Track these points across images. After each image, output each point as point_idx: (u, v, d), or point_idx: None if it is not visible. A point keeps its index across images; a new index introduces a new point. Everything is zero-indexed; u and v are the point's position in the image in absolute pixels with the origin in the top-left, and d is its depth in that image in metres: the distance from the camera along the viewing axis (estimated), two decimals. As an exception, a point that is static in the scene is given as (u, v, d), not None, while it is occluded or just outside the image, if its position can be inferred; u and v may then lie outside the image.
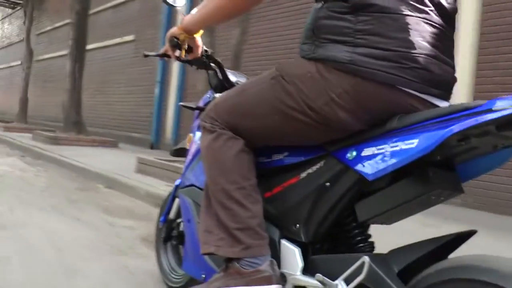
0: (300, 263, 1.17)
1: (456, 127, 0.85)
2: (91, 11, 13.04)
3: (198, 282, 1.47)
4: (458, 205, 4.04)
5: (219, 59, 1.58)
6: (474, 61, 4.36)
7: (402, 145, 0.97)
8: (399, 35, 1.00)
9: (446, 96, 1.07)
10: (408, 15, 1.01)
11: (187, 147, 1.73)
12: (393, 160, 0.96)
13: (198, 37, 1.46)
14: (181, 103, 1.96)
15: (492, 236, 2.83)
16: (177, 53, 1.50)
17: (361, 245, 1.18)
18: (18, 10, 17.24)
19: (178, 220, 1.81)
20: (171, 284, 1.85)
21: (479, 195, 4.07)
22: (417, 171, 0.98)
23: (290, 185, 1.23)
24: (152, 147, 8.92)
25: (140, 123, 10.01)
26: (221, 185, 1.21)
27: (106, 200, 3.69)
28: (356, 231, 1.17)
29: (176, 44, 1.48)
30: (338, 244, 1.22)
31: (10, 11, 18.55)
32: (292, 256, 1.20)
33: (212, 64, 1.61)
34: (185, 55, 1.54)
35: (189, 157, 1.63)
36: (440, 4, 1.04)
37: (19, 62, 14.30)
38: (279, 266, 1.18)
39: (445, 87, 1.06)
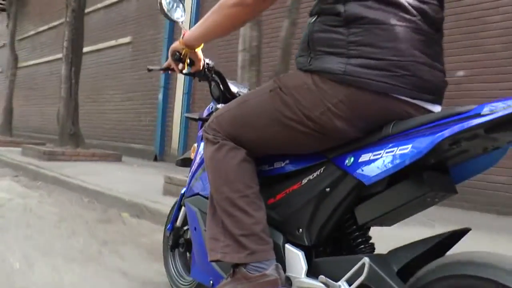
0: (304, 266, 1.23)
1: (446, 132, 0.92)
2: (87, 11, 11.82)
3: None
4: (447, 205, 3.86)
5: (220, 71, 1.66)
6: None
7: (397, 151, 1.03)
8: (390, 44, 1.07)
9: (438, 100, 1.13)
10: (396, 25, 1.08)
11: (192, 157, 1.79)
12: (389, 165, 1.02)
13: (199, 51, 1.55)
14: (187, 114, 1.80)
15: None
16: (180, 66, 1.58)
17: (362, 246, 1.23)
18: (-1, 13, 15.64)
19: (185, 228, 1.85)
20: None
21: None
22: (413, 175, 1.03)
23: (292, 191, 1.31)
24: (156, 159, 8.42)
25: (140, 132, 9.46)
26: (225, 193, 1.29)
27: (141, 235, 3.01)
28: (357, 233, 1.22)
29: (178, 58, 1.56)
30: (340, 247, 1.27)
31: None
32: (296, 259, 1.27)
33: (214, 76, 1.68)
34: (187, 69, 1.61)
35: (194, 167, 1.69)
36: (426, 13, 1.12)
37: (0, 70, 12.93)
38: (284, 269, 1.24)
39: (437, 92, 1.12)
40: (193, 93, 8.19)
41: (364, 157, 1.12)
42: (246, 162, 1.33)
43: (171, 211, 2.02)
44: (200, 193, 1.66)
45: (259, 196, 1.28)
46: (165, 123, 8.31)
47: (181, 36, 1.51)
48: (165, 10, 1.72)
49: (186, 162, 2.07)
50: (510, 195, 4.10)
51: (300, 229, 1.29)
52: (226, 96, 1.73)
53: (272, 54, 4.35)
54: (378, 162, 1.09)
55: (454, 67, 4.38)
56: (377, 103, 1.10)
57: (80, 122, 11.84)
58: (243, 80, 3.71)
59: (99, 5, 10.03)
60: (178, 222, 1.94)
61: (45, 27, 14.11)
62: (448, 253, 1.10)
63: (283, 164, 1.36)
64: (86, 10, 12.94)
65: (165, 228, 2.03)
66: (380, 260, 1.09)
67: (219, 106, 1.72)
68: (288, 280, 1.24)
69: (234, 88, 1.73)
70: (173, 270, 2.01)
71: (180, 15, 1.73)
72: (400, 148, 1.04)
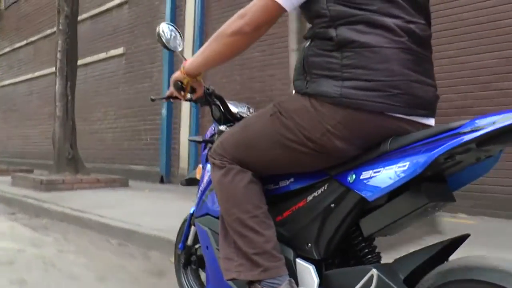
0: (316, 279, 1.33)
1: (441, 149, 1.03)
2: None
3: None
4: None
5: (220, 94, 1.81)
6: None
7: (396, 168, 1.14)
8: (381, 66, 1.19)
9: (431, 114, 1.27)
10: (386, 47, 1.20)
11: (198, 178, 1.93)
12: (390, 181, 1.13)
13: (200, 78, 1.68)
14: (190, 138, 2.30)
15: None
16: (183, 95, 1.71)
17: (369, 256, 1.34)
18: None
19: (196, 246, 2.01)
20: None
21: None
22: (413, 187, 1.15)
23: (298, 208, 1.42)
24: (162, 180, 8.03)
25: (141, 152, 9.01)
26: (236, 215, 1.40)
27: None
28: (363, 244, 1.34)
29: (181, 87, 1.67)
30: (347, 258, 1.40)
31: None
32: (308, 273, 1.37)
33: (215, 100, 1.81)
34: (190, 96, 1.74)
35: (202, 187, 1.82)
36: (414, 32, 1.25)
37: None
38: (297, 283, 1.35)
39: (429, 106, 1.25)
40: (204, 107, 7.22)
41: (365, 174, 1.23)
42: (253, 184, 1.44)
43: (180, 229, 2.18)
44: (210, 213, 1.76)
45: (268, 215, 1.41)
46: (171, 140, 8.06)
47: (182, 65, 1.63)
48: (164, 40, 1.82)
49: (191, 182, 2.20)
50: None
51: (309, 244, 1.38)
52: (227, 117, 1.85)
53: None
54: (379, 179, 1.18)
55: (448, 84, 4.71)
56: (373, 122, 1.21)
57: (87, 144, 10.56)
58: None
59: (84, 15, 9.86)
60: (189, 241, 2.06)
61: (23, 42, 13.62)
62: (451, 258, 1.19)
63: (287, 183, 1.47)
64: None
65: (175, 247, 2.19)
66: (387, 269, 1.19)
67: (222, 127, 1.86)
68: None
69: (234, 109, 1.86)
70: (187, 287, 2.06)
71: (178, 44, 1.86)
72: (398, 165, 1.14)
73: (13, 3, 13.41)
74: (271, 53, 6.85)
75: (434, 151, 1.05)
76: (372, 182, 1.20)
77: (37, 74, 12.32)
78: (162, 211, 4.43)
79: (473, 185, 1.42)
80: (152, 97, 1.94)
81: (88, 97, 9.40)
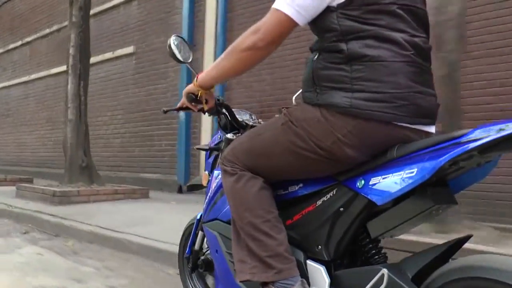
0: (327, 280, 1.45)
1: (447, 157, 1.17)
2: (67, 23, 10.26)
3: None
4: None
5: (227, 103, 1.96)
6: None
7: (403, 174, 1.27)
8: (389, 78, 1.35)
9: (433, 122, 1.45)
10: (394, 61, 1.36)
11: (204, 184, 2.09)
12: (398, 187, 1.27)
13: (213, 90, 1.81)
14: (197, 147, 2.44)
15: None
16: (197, 107, 1.86)
17: (376, 257, 1.49)
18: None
19: (203, 251, 2.18)
20: None
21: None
22: (419, 191, 1.29)
23: (308, 212, 1.54)
24: (180, 190, 7.50)
25: (154, 159, 8.46)
26: (248, 219, 1.53)
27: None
28: (370, 245, 1.49)
29: (194, 99, 1.79)
30: (355, 258, 1.54)
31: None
32: (319, 274, 1.48)
33: (224, 110, 1.95)
34: (200, 106, 1.87)
35: (210, 193, 1.94)
36: (419, 46, 1.42)
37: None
38: (308, 284, 1.48)
39: (431, 115, 1.43)
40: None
41: (374, 180, 1.36)
42: (264, 190, 1.57)
43: (183, 236, 2.37)
44: (219, 218, 1.88)
45: (279, 219, 1.55)
46: (189, 146, 7.64)
47: (195, 78, 1.74)
48: (175, 52, 1.90)
49: (194, 188, 2.39)
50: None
51: (319, 246, 1.51)
52: (233, 125, 1.99)
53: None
54: (388, 185, 1.31)
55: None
56: (381, 131, 1.37)
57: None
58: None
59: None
60: (197, 246, 2.20)
61: (17, 43, 13.21)
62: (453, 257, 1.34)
63: (296, 188, 1.59)
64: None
65: (179, 255, 2.39)
66: (396, 269, 1.30)
67: (229, 135, 1.96)
68: None
69: (239, 117, 2.01)
70: None
71: (189, 57, 1.96)
72: (406, 172, 1.27)
73: (7, 1, 12.77)
74: (305, 50, 6.23)
75: (441, 159, 1.19)
76: (381, 188, 1.33)
77: (33, 76, 11.91)
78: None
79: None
80: (165, 109, 2.05)
81: (93, 100, 8.87)
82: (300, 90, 1.86)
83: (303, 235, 1.56)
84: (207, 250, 2.15)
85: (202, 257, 2.18)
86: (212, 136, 2.57)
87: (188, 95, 1.79)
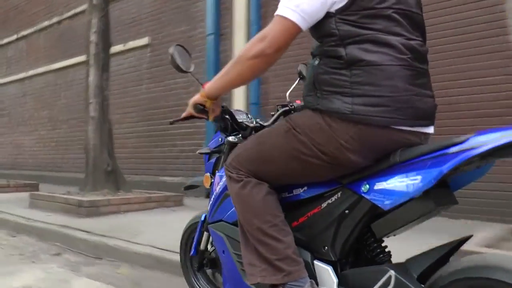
0: (335, 279, 1.56)
1: (451, 164, 1.29)
2: (69, 14, 9.39)
3: None
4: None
5: (228, 108, 2.06)
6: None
7: (408, 181, 1.38)
8: (387, 82, 1.46)
9: (431, 123, 1.58)
10: (391, 65, 1.47)
11: (206, 186, 2.21)
12: (404, 193, 1.39)
13: (219, 98, 1.92)
14: (199, 151, 2.33)
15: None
16: (205, 116, 1.93)
17: (381, 255, 1.61)
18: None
19: (210, 250, 2.37)
20: None
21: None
22: (421, 194, 1.43)
23: (313, 214, 1.65)
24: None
25: (175, 161, 7.68)
26: (256, 225, 1.63)
27: None
28: (375, 244, 1.63)
29: (202, 110, 1.86)
30: (360, 257, 1.67)
31: None
32: (327, 274, 1.58)
33: (227, 116, 2.06)
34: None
35: (215, 195, 2.05)
36: (416, 49, 1.54)
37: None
38: (316, 284, 1.60)
39: (430, 117, 1.56)
40: (264, 103, 6.63)
41: (379, 185, 1.46)
42: (270, 195, 1.68)
43: (183, 237, 2.55)
44: (224, 219, 1.99)
45: (285, 222, 1.66)
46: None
47: (201, 89, 1.82)
48: (177, 62, 1.93)
49: (190, 188, 2.52)
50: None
51: (326, 247, 1.61)
52: (234, 127, 2.07)
53: None
54: (394, 190, 1.41)
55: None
56: (382, 135, 1.48)
57: (75, 152, 9.36)
58: None
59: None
60: (202, 246, 2.37)
61: (12, 37, 12.31)
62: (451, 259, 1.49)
63: (301, 191, 1.69)
64: (74, 12, 10.26)
65: (180, 256, 2.57)
66: (402, 269, 1.42)
67: (230, 138, 2.08)
68: None
69: (239, 119, 2.10)
70: None
71: (190, 66, 2.00)
72: (411, 178, 1.37)
73: (-1, -7, 11.85)
74: None
75: (445, 166, 1.30)
76: (387, 193, 1.43)
77: (31, 72, 11.45)
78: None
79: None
80: (171, 120, 2.15)
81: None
82: (293, 86, 2.21)
83: (309, 236, 1.68)
84: (213, 250, 2.36)
85: (208, 257, 2.38)
86: (212, 138, 2.51)
87: (195, 106, 1.87)
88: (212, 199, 2.08)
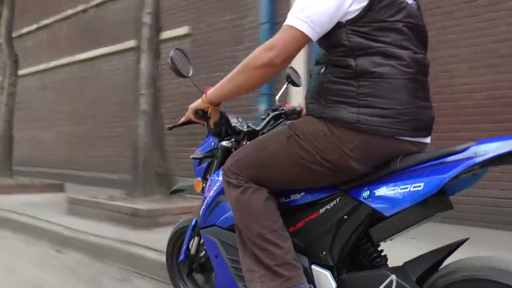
0: (333, 284, 1.59)
1: (453, 173, 1.36)
2: (96, 2, 8.54)
3: None
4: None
5: (224, 113, 2.11)
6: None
7: (411, 188, 1.43)
8: (395, 95, 1.53)
9: (430, 133, 1.69)
10: (399, 78, 1.54)
11: (197, 191, 2.22)
12: (406, 199, 1.44)
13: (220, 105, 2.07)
14: (192, 156, 2.27)
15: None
16: (204, 121, 2.00)
17: (378, 259, 1.66)
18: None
19: (201, 254, 2.37)
20: None
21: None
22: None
23: (311, 220, 1.67)
24: None
25: None
26: (256, 230, 1.66)
27: None
28: (372, 249, 1.69)
29: (203, 115, 1.90)
30: (357, 261, 1.70)
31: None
32: (325, 279, 1.59)
33: (223, 121, 2.18)
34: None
35: (208, 200, 2.09)
36: (421, 63, 1.63)
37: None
38: None
39: (429, 128, 1.68)
40: None
41: (380, 191, 1.52)
42: (270, 200, 1.72)
43: (169, 242, 2.54)
44: (217, 224, 2.03)
45: (284, 228, 1.72)
46: None
47: (204, 94, 1.86)
48: (178, 67, 1.96)
49: (176, 191, 2.60)
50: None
51: (324, 252, 1.64)
52: (227, 131, 2.11)
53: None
54: (395, 197, 1.47)
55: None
56: (386, 145, 1.55)
57: (101, 150, 8.87)
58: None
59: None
60: (193, 251, 2.37)
61: (32, 27, 11.55)
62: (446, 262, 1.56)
63: (299, 196, 1.72)
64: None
65: (167, 262, 2.55)
66: (402, 273, 1.46)
67: (224, 143, 2.09)
68: None
69: (232, 123, 2.14)
70: None
71: (189, 70, 2.06)
72: (413, 185, 1.43)
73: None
74: (444, 26, 4.64)
75: (448, 174, 1.36)
76: (389, 199, 1.49)
77: (52, 64, 10.33)
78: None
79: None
80: (169, 126, 2.19)
81: (129, 92, 7.07)
82: (282, 90, 2.33)
83: (307, 241, 1.72)
84: (204, 255, 2.38)
85: (199, 261, 2.41)
86: (203, 142, 2.40)
87: (196, 111, 1.92)
88: (204, 204, 2.15)
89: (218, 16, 7.84)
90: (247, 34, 7.30)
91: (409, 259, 1.47)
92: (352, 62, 1.49)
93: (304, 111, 2.14)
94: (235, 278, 1.84)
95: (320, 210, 1.63)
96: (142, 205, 4.39)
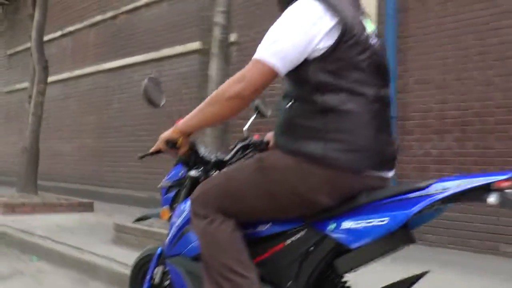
0: None
1: (417, 207, 1.42)
2: (127, 8, 7.74)
3: None
4: None
5: (194, 142, 2.14)
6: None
7: (376, 222, 1.48)
8: (361, 131, 1.60)
9: (393, 167, 1.76)
10: (364, 114, 1.60)
11: (164, 219, 2.24)
12: (371, 234, 1.49)
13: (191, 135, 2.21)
14: (159, 185, 2.26)
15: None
16: (175, 152, 1.97)
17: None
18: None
19: (165, 284, 2.32)
20: None
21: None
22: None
23: (277, 251, 1.72)
24: None
25: None
26: (222, 261, 1.69)
27: None
28: (337, 279, 1.74)
29: (174, 145, 1.91)
30: None
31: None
32: None
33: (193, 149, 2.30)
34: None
35: (175, 229, 2.11)
36: (385, 98, 1.67)
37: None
38: None
39: (392, 161, 1.76)
40: (403, 117, 5.27)
41: (346, 225, 1.57)
42: (236, 231, 1.76)
43: (133, 272, 2.48)
44: (183, 253, 2.07)
45: (250, 258, 1.76)
46: None
47: (175, 125, 1.89)
48: (151, 96, 2.01)
49: (141, 219, 2.66)
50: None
51: (289, 282, 1.68)
52: (196, 161, 2.13)
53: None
54: (361, 230, 1.51)
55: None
56: (352, 179, 1.61)
57: (128, 166, 8.44)
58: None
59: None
60: (157, 280, 2.30)
61: (56, 34, 11.03)
62: None
63: (265, 228, 1.76)
64: (134, 5, 8.52)
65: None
66: None
67: (192, 173, 2.09)
68: None
69: (200, 152, 2.16)
70: None
71: (162, 101, 2.08)
72: (378, 220, 1.48)
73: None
74: None
75: (412, 209, 1.43)
76: (354, 232, 1.53)
77: (76, 73, 9.93)
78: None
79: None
80: (140, 155, 2.15)
81: (171, 103, 6.40)
82: (250, 121, 2.26)
83: (273, 272, 1.75)
84: (168, 284, 2.33)
85: None
86: (171, 170, 2.41)
87: (167, 141, 1.93)
88: (171, 232, 2.14)
89: (270, 23, 7.82)
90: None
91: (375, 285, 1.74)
92: (318, 98, 1.55)
93: (271, 142, 2.12)
94: None
95: (286, 242, 1.69)
96: None
